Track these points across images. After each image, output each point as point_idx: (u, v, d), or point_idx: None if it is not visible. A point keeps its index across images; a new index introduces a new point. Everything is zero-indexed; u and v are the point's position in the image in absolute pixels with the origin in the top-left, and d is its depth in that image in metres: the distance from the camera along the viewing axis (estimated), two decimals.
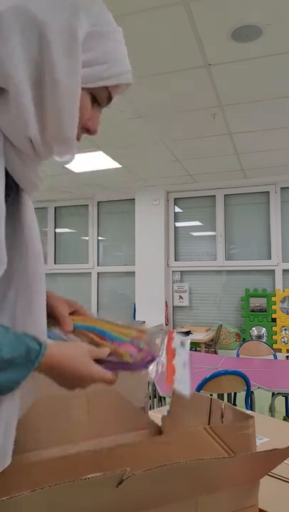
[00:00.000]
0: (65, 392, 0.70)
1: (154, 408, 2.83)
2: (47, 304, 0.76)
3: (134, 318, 5.80)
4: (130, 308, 6.08)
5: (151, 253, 5.85)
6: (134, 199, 6.03)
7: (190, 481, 0.52)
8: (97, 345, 0.75)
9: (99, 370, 0.69)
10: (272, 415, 2.70)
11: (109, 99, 0.74)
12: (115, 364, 0.72)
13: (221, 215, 5.74)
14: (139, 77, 2.90)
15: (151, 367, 0.73)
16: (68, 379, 0.66)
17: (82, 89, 0.66)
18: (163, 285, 5.77)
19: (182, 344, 0.81)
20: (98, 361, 0.70)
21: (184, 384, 0.75)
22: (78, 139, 0.73)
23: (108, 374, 0.70)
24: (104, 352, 0.72)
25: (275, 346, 5.08)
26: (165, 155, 4.53)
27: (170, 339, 0.80)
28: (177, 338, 0.81)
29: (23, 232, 0.77)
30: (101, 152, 4.41)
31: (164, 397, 2.65)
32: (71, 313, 0.83)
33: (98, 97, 0.71)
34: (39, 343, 0.62)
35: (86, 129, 0.74)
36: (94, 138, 3.99)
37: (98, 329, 0.78)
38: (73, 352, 0.68)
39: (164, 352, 0.77)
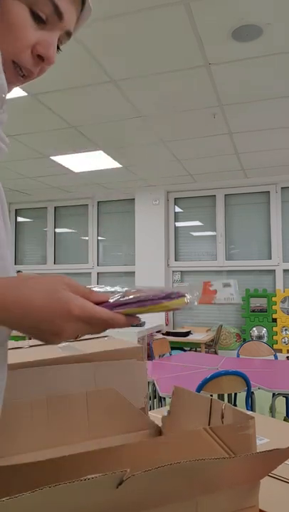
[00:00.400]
0: (63, 391, 0.68)
1: (154, 408, 2.83)
2: None
3: None
4: None
5: (151, 253, 5.84)
6: (134, 199, 6.03)
7: (190, 482, 0.52)
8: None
9: (89, 305, 0.50)
10: (273, 416, 2.70)
11: (59, 15, 0.59)
12: (135, 302, 0.56)
13: (221, 215, 5.74)
14: (139, 77, 2.90)
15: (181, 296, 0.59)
16: (36, 324, 0.47)
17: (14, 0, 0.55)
18: (163, 285, 5.76)
19: (226, 285, 0.69)
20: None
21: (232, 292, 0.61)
22: (29, 74, 0.60)
23: (107, 312, 0.51)
24: (103, 294, 0.55)
25: (275, 346, 5.08)
26: (165, 155, 4.53)
27: (206, 287, 0.70)
28: (218, 283, 0.70)
29: None
30: (101, 152, 4.41)
31: (164, 398, 2.65)
32: None
33: (41, 12, 0.57)
34: None
35: (37, 56, 0.60)
36: (94, 138, 4.00)
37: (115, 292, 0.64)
38: (36, 284, 0.49)
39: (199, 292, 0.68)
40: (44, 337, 0.49)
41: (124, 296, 0.57)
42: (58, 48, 0.64)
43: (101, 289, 0.66)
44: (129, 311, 0.55)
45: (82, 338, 0.95)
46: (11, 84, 0.60)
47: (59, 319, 0.48)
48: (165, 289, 0.62)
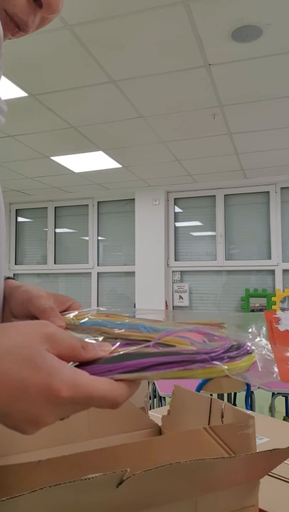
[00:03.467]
0: None
1: (154, 408, 2.83)
2: (23, 300, 0.53)
3: None
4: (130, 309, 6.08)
5: (151, 253, 5.85)
6: (134, 199, 6.03)
7: (190, 481, 0.52)
8: (118, 338, 0.42)
9: (83, 380, 0.35)
10: (273, 415, 2.70)
11: None
12: (153, 357, 0.36)
13: (221, 215, 5.74)
14: (139, 77, 2.90)
15: (240, 356, 0.37)
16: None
17: None
18: (163, 285, 5.76)
19: None
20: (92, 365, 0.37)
21: None
22: (23, 25, 0.49)
23: (106, 385, 0.35)
24: (100, 345, 0.38)
25: None
26: (165, 155, 4.53)
27: (271, 320, 0.50)
28: (287, 317, 0.50)
29: None
30: (101, 152, 4.41)
31: (164, 397, 2.65)
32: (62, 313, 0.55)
33: None
34: None
35: (34, 2, 0.49)
36: (94, 138, 4.00)
37: (126, 323, 0.47)
38: (6, 343, 0.34)
39: (266, 338, 0.45)
40: (13, 424, 0.35)
41: (143, 342, 0.38)
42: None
43: (103, 310, 0.52)
44: (152, 377, 0.35)
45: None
46: (4, 37, 0.50)
47: (36, 400, 0.33)
48: (201, 328, 0.42)
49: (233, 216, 5.73)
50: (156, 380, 0.38)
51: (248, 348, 0.38)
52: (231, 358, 0.35)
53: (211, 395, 2.32)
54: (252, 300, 5.46)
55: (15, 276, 6.84)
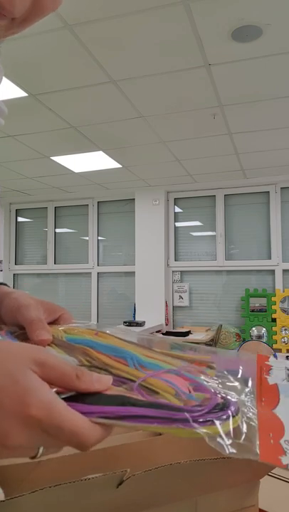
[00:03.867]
0: None
1: None
2: (12, 308, 0.52)
3: (134, 318, 5.80)
4: (130, 309, 6.08)
5: (151, 253, 5.84)
6: (134, 199, 6.03)
7: (190, 481, 0.52)
8: (102, 369, 0.42)
9: (57, 406, 0.33)
10: None
11: None
12: (134, 406, 0.35)
13: (221, 215, 5.74)
14: (139, 77, 2.90)
15: (222, 420, 0.35)
16: None
17: None
18: (163, 285, 5.76)
19: None
20: (81, 399, 0.35)
21: None
22: None
23: (81, 421, 0.34)
24: (98, 379, 0.37)
25: (275, 346, 5.08)
26: (165, 155, 4.53)
27: (261, 367, 0.47)
28: (279, 367, 0.47)
29: None
30: (101, 152, 4.41)
31: None
32: (52, 323, 0.55)
33: None
34: None
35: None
36: (94, 138, 4.00)
37: (114, 347, 0.46)
38: None
39: (252, 393, 0.42)
40: None
41: (127, 381, 0.38)
42: None
43: (94, 326, 0.50)
44: (129, 427, 0.35)
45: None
46: None
47: (6, 414, 0.32)
48: (188, 369, 0.40)
49: (233, 216, 5.73)
50: (132, 430, 0.37)
51: (232, 410, 0.36)
52: (212, 422, 0.34)
53: None
54: (252, 300, 5.46)
55: (15, 276, 6.84)
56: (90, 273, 6.39)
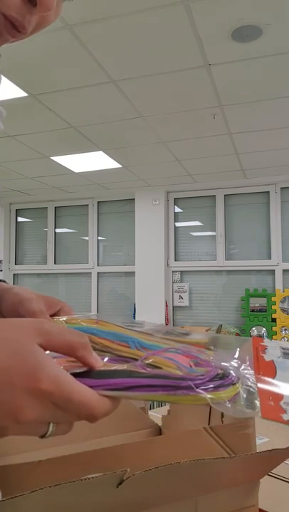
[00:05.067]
0: None
1: (154, 408, 2.83)
2: (13, 302, 0.54)
3: (134, 318, 5.80)
4: (130, 308, 6.08)
5: (151, 253, 5.84)
6: (134, 199, 6.03)
7: (190, 481, 0.52)
8: (105, 351, 0.43)
9: (67, 379, 0.34)
10: None
11: None
12: (139, 378, 0.36)
13: (221, 215, 5.74)
14: (139, 77, 2.90)
15: (224, 386, 0.37)
16: None
17: None
18: (163, 285, 5.76)
19: (286, 354, 0.49)
20: (85, 376, 0.36)
21: None
22: (20, 26, 0.47)
23: (90, 392, 0.35)
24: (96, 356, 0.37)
25: None
26: (165, 155, 4.53)
27: (257, 348, 0.50)
28: (274, 346, 0.50)
29: None
30: (101, 152, 4.41)
31: None
32: (52, 316, 0.57)
33: None
34: None
35: (28, 1, 0.46)
36: (94, 138, 4.00)
37: (115, 333, 0.47)
38: None
39: (250, 368, 0.45)
40: None
41: (130, 360, 0.39)
42: None
43: (94, 316, 0.51)
44: (135, 397, 0.35)
45: None
46: (3, 40, 0.50)
47: (18, 391, 0.32)
48: (188, 349, 0.42)
49: (233, 216, 5.73)
50: (139, 400, 0.39)
51: (233, 379, 0.38)
52: (215, 388, 0.36)
53: None
54: (252, 300, 5.46)
55: (15, 276, 6.84)
56: (90, 273, 6.39)
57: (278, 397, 0.40)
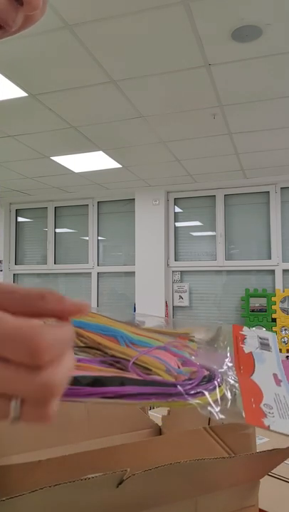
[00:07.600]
0: None
1: (154, 408, 2.82)
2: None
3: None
4: (130, 308, 6.08)
5: (151, 253, 5.84)
6: (134, 199, 6.03)
7: (190, 481, 0.52)
8: (96, 348, 0.43)
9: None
10: None
11: None
12: (131, 384, 0.37)
13: (221, 215, 5.74)
14: (139, 77, 2.90)
15: (209, 390, 0.39)
16: None
17: None
18: (163, 285, 5.76)
19: (263, 344, 0.49)
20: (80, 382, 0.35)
21: (283, 420, 0.40)
22: (5, 24, 0.46)
23: (27, 322, 0.27)
24: (61, 297, 0.31)
25: None
26: (165, 155, 4.53)
27: (237, 337, 0.50)
28: (252, 336, 0.51)
29: None
30: (101, 152, 4.41)
31: None
32: None
33: None
34: None
35: None
36: (94, 138, 4.00)
37: (101, 326, 0.46)
38: None
39: (230, 362, 0.46)
40: None
41: (122, 360, 0.39)
42: None
43: None
44: (129, 404, 0.36)
45: None
46: None
47: None
48: (174, 344, 0.43)
49: (233, 216, 5.73)
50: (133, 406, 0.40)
51: (218, 381, 0.40)
52: (202, 393, 0.38)
53: None
54: (252, 300, 5.46)
55: (15, 276, 6.84)
56: (90, 273, 6.39)
57: (259, 398, 0.42)
